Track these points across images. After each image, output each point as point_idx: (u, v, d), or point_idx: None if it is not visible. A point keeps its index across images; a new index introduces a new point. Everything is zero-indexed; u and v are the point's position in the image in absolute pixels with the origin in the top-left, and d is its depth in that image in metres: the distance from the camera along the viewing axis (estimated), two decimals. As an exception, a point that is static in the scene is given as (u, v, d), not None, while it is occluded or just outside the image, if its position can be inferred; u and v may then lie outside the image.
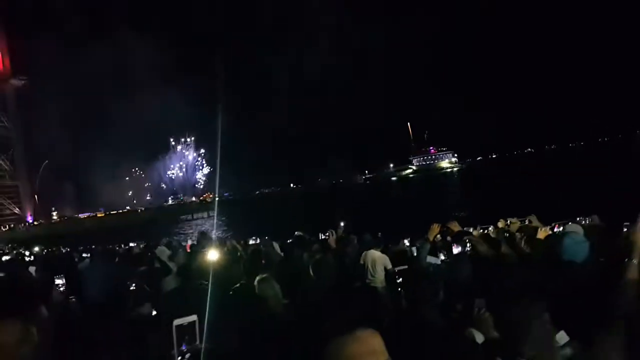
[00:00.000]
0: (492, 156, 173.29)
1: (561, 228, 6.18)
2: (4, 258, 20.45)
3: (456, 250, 4.87)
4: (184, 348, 2.51)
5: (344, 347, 1.33)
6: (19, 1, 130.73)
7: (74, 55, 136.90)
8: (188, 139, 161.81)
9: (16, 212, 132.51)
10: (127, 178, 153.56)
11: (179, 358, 2.48)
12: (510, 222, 7.23)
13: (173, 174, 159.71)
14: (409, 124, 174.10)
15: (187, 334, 2.54)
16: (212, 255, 5.66)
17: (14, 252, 26.44)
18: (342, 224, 8.81)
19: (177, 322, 2.51)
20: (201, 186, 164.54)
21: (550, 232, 5.34)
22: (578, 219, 6.96)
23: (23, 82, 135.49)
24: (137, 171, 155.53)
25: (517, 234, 5.33)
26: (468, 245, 4.81)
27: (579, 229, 4.36)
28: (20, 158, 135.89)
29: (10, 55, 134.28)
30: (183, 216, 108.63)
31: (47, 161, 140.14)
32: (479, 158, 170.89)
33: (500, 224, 7.91)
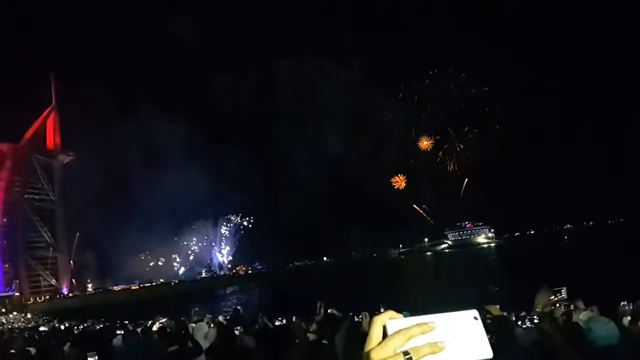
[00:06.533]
0: (530, 232, 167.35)
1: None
2: (41, 328, 20.77)
3: None
4: None
5: None
6: (65, 85, 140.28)
7: (112, 133, 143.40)
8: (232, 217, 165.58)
9: (53, 283, 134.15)
10: (159, 251, 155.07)
11: None
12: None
13: (201, 246, 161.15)
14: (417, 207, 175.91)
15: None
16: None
17: (49, 325, 26.82)
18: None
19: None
20: (230, 259, 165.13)
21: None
22: (622, 303, 6.62)
23: (70, 157, 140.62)
24: (173, 243, 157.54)
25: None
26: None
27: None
28: (61, 231, 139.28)
29: (61, 133, 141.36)
30: (218, 290, 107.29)
31: (78, 233, 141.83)
32: (516, 234, 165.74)
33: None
